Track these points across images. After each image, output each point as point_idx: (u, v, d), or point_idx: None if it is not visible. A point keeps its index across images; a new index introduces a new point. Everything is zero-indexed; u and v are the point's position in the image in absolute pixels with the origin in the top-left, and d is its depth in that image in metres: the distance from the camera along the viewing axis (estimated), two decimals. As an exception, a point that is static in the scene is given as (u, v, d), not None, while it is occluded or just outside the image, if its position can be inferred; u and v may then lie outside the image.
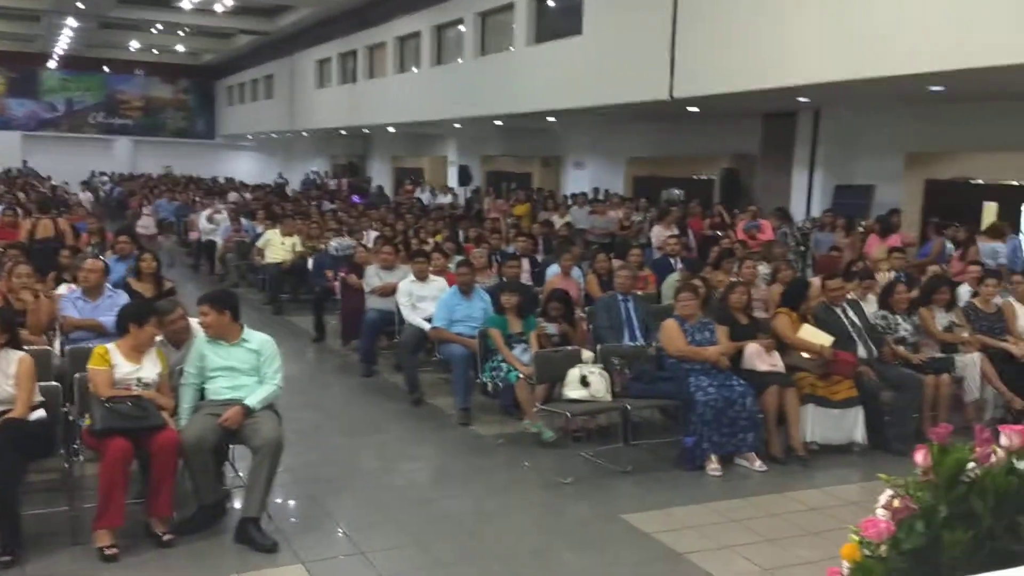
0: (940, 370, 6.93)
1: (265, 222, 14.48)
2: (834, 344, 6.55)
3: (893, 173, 13.95)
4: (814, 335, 6.62)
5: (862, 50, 9.96)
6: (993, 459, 1.87)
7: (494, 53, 19.12)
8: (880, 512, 1.92)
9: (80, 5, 25.53)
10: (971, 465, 1.88)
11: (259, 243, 12.75)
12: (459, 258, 8.97)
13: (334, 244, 11.93)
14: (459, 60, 20.40)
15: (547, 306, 7.36)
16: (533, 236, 12.12)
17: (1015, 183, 12.84)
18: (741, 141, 16.43)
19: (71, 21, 28.50)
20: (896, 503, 1.90)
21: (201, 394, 5.04)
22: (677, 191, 17.65)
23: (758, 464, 6.16)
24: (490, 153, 25.45)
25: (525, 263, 9.70)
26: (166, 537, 4.65)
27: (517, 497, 5.73)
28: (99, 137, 38.79)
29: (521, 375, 6.64)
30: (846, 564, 1.93)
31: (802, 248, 13.30)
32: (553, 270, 9.03)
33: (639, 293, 8.01)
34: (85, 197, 23.72)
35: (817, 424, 6.45)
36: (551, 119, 18.76)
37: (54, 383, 5.05)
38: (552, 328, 7.19)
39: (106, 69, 38.59)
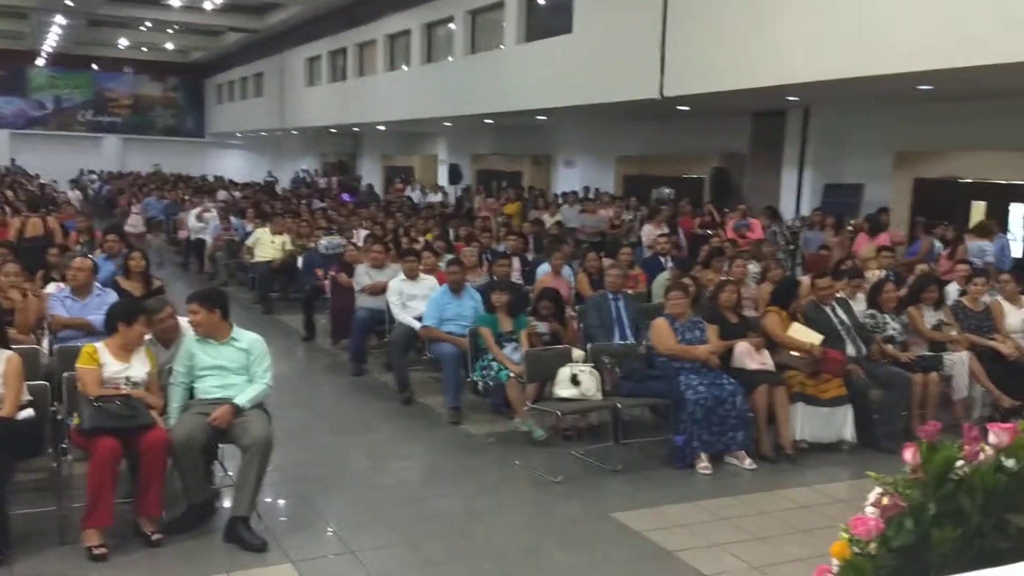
0: (928, 368, 6.96)
1: (255, 220, 14.45)
2: (823, 343, 6.57)
3: (882, 172, 14.00)
4: (804, 334, 6.64)
5: (851, 49, 9.99)
6: (981, 457, 1.88)
7: (484, 51, 19.11)
8: (869, 510, 1.92)
9: (68, 2, 25.38)
10: (960, 463, 1.88)
11: (248, 242, 12.71)
12: (449, 257, 8.96)
13: (324, 243, 11.90)
14: (449, 58, 20.39)
15: (538, 305, 7.36)
16: (523, 235, 12.12)
17: (1003, 182, 12.91)
18: (731, 140, 16.46)
19: (59, 18, 28.34)
20: (885, 501, 1.90)
21: (190, 393, 5.02)
22: (667, 190, 17.69)
23: (748, 462, 6.18)
24: (480, 152, 25.44)
25: (515, 262, 9.71)
26: (155, 537, 4.64)
27: (507, 496, 5.73)
28: (88, 135, 38.57)
29: (512, 374, 6.64)
30: (835, 562, 1.93)
31: (791, 247, 13.34)
32: (543, 269, 9.04)
33: (629, 292, 8.01)
34: (73, 195, 23.59)
35: (806, 422, 6.47)
36: (541, 117, 18.76)
37: (42, 382, 5.03)
38: (542, 327, 7.19)
39: (95, 67, 38.37)
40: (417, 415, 7.45)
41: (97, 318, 5.90)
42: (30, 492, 4.85)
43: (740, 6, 11.62)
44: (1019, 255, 11.95)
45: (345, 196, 23.98)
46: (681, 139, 17.82)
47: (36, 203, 12.69)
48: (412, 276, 8.18)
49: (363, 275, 8.89)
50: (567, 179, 21.59)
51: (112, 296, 6.34)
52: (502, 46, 18.19)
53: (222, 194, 22.27)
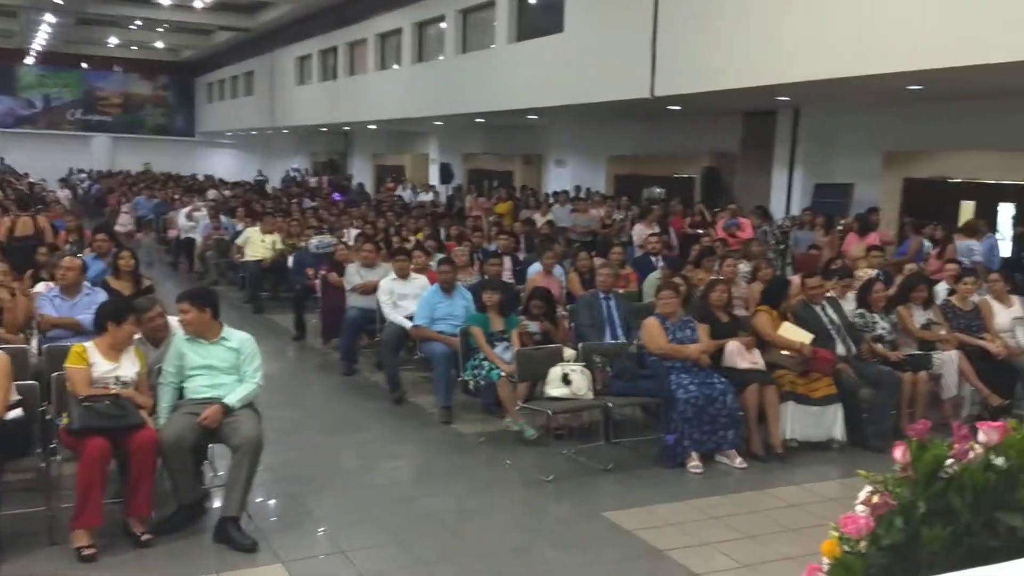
0: (918, 367, 6.98)
1: (245, 220, 14.41)
2: (813, 342, 6.59)
3: (871, 172, 14.05)
4: (794, 333, 6.66)
5: (841, 49, 10.02)
6: (971, 455, 1.88)
7: (476, 50, 19.09)
8: (859, 508, 1.93)
9: (58, 1, 25.28)
10: (949, 461, 1.89)
11: (239, 241, 12.68)
12: (440, 256, 8.95)
13: (314, 242, 11.87)
14: (440, 57, 20.37)
15: (529, 304, 7.36)
16: (515, 234, 12.12)
17: (992, 182, 12.96)
18: (721, 140, 16.49)
19: (49, 17, 28.23)
20: (875, 499, 1.91)
21: (180, 393, 5.00)
22: (658, 189, 17.74)
23: (738, 461, 6.19)
24: (472, 151, 25.43)
25: (507, 261, 9.71)
26: (145, 537, 4.62)
27: (499, 495, 5.73)
28: (77, 134, 38.42)
29: (503, 373, 6.63)
30: (826, 560, 1.93)
31: (782, 246, 13.36)
32: (535, 268, 9.03)
33: (620, 291, 8.02)
34: (63, 194, 23.47)
35: (797, 421, 6.49)
36: (533, 117, 18.76)
37: (31, 382, 5.00)
38: (534, 326, 7.19)
39: (84, 65, 38.23)
40: (408, 415, 7.44)
41: (86, 317, 5.87)
42: (19, 492, 4.82)
43: (731, 6, 11.64)
44: (1008, 254, 12.01)
45: (336, 195, 23.94)
46: (672, 139, 17.84)
47: (27, 202, 12.62)
48: (403, 275, 8.17)
49: (354, 274, 8.87)
50: (558, 178, 21.60)
51: (101, 295, 6.31)
52: (493, 45, 18.18)
53: (212, 193, 22.19)
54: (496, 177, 23.90)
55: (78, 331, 6.07)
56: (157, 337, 5.30)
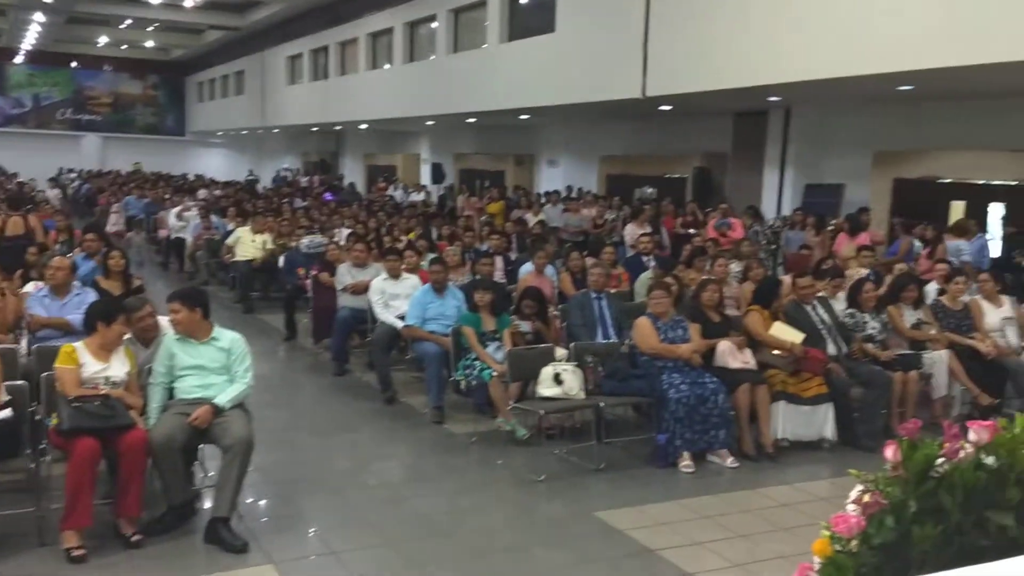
0: (908, 367, 7.00)
1: (236, 219, 14.35)
2: (804, 341, 6.61)
3: (862, 172, 14.09)
4: (785, 332, 6.67)
5: (832, 50, 10.03)
6: (961, 455, 1.89)
7: (467, 50, 19.07)
8: (850, 507, 1.93)
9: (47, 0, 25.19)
10: (940, 461, 1.89)
11: (229, 241, 12.64)
12: (432, 256, 8.94)
13: (305, 242, 11.86)
14: (432, 57, 20.34)
15: (520, 304, 7.36)
16: (506, 234, 12.12)
17: (981, 182, 13.01)
18: (713, 140, 16.51)
19: (38, 16, 28.06)
20: (866, 498, 1.91)
21: (170, 393, 4.98)
22: (650, 189, 17.74)
23: (730, 461, 6.20)
24: (463, 151, 25.41)
25: (498, 261, 9.70)
26: (135, 538, 4.60)
27: (490, 495, 5.72)
28: (67, 133, 38.21)
29: (494, 373, 6.63)
30: (817, 559, 1.94)
31: (773, 246, 13.40)
32: (526, 268, 9.03)
33: (612, 291, 8.03)
34: (53, 194, 23.39)
35: (788, 421, 6.50)
36: (524, 117, 18.77)
37: (21, 382, 4.97)
38: (525, 326, 7.19)
39: (74, 64, 38.03)
40: (399, 415, 7.43)
41: (76, 317, 5.84)
42: (8, 493, 4.80)
43: (722, 6, 11.66)
44: (998, 254, 12.06)
45: (327, 195, 23.90)
46: (663, 139, 17.87)
47: (18, 202, 12.53)
48: (394, 275, 8.16)
49: (345, 274, 8.85)
50: (550, 178, 21.60)
51: (91, 295, 6.28)
52: (485, 45, 18.17)
53: (203, 193, 22.13)
54: (488, 177, 23.89)
55: (68, 331, 6.04)
56: (147, 337, 5.28)
